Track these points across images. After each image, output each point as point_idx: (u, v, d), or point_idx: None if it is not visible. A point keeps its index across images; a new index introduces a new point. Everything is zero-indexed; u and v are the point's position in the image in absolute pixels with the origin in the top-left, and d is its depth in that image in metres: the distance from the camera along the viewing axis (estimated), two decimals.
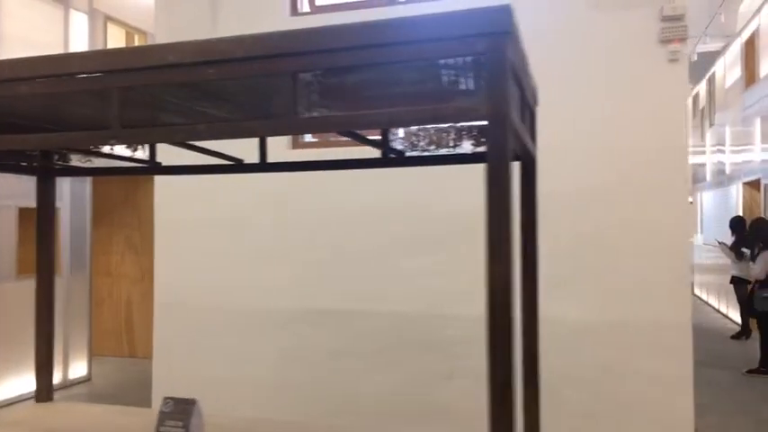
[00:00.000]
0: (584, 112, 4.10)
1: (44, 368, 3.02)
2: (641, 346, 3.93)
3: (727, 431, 5.24)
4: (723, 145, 12.71)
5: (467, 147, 2.33)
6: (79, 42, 6.84)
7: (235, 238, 4.87)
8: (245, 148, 2.62)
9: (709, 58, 13.28)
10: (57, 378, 6.51)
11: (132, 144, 2.34)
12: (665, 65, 3.89)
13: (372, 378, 4.44)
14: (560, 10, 4.16)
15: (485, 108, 1.51)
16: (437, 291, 4.35)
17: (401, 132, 2.52)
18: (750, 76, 10.29)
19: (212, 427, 2.47)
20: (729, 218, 9.08)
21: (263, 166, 2.70)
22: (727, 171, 12.20)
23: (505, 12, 1.50)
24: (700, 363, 7.87)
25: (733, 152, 11.82)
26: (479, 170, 3.57)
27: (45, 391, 3.01)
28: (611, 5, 4.03)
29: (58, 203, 6.56)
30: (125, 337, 8.34)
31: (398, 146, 2.53)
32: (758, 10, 9.63)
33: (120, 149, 2.38)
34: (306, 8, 4.96)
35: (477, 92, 1.51)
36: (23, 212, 6.12)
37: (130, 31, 7.92)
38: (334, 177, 4.09)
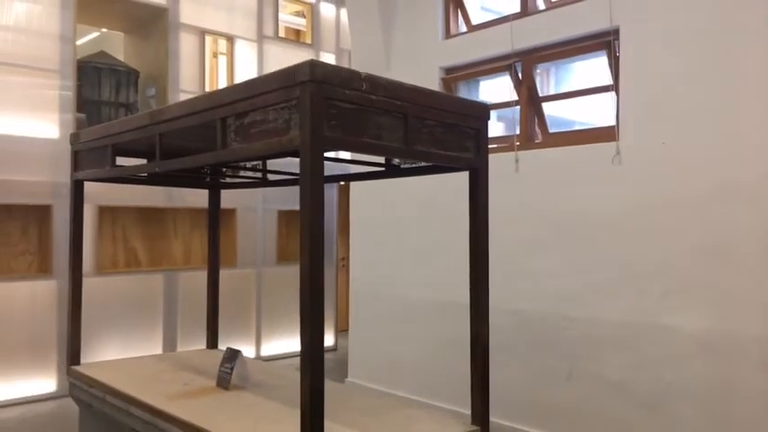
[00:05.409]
0: (702, 101, 3.75)
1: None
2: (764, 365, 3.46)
3: None
4: None
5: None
6: None
7: (397, 235, 5.65)
8: None
9: None
10: None
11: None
12: None
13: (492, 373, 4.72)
14: None
15: (298, 139, 2.03)
16: (557, 291, 4.43)
17: None
18: None
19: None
20: None
21: None
22: None
23: (308, 66, 1.99)
24: None
25: None
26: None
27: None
28: None
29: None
30: None
31: (395, 161, 3.02)
32: None
33: None
34: (462, 28, 5.45)
35: (297, 127, 2.03)
36: (282, 214, 7.89)
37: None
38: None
